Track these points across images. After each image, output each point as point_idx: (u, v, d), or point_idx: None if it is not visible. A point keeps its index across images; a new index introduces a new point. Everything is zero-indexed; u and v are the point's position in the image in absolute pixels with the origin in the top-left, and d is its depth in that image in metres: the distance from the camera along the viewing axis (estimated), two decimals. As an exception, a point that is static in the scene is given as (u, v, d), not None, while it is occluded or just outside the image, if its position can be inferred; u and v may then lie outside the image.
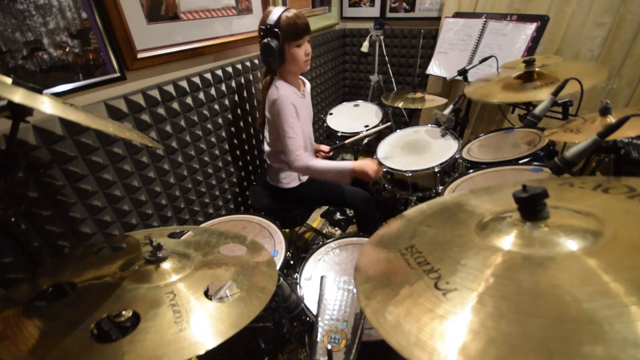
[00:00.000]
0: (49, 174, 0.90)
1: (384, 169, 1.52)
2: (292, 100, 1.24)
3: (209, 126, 1.43)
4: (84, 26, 0.93)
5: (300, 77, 1.40)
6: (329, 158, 1.65)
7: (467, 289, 0.38)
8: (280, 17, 1.14)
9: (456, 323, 0.34)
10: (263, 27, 1.16)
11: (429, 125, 1.76)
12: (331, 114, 2.12)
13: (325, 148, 1.65)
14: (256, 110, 1.73)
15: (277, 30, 1.15)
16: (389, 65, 2.51)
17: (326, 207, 2.20)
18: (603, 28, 1.76)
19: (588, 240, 0.39)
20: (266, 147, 1.43)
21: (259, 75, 1.69)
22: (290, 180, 1.43)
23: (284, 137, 1.23)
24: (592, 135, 0.73)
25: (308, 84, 1.45)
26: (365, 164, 1.25)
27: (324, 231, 2.11)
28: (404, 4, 2.36)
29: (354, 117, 2.05)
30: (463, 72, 1.66)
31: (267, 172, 1.49)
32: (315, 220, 2.19)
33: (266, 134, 1.41)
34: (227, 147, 1.56)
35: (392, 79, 2.56)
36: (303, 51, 1.24)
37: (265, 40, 1.16)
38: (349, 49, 2.73)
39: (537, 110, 1.04)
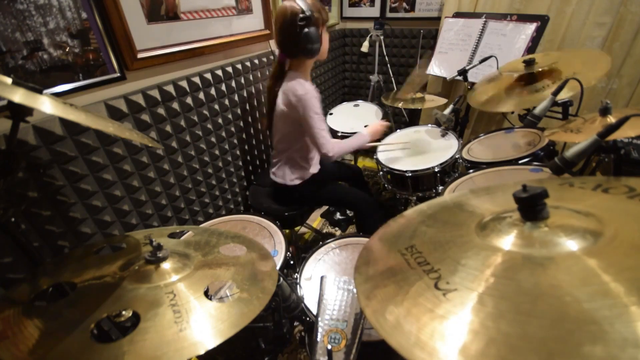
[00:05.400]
0: (49, 174, 0.90)
1: (384, 169, 1.52)
2: (317, 94, 1.27)
3: (209, 126, 1.43)
4: (84, 26, 0.93)
5: None
6: None
7: (467, 289, 0.38)
8: (309, 4, 1.18)
9: (456, 323, 0.34)
10: (302, 15, 1.16)
11: (429, 125, 1.76)
12: (331, 114, 2.12)
13: None
14: (256, 110, 1.73)
15: (317, 15, 1.18)
16: (389, 65, 2.51)
17: (326, 207, 2.20)
18: (603, 28, 1.76)
19: (588, 240, 0.39)
20: (277, 144, 1.43)
21: (259, 75, 1.69)
22: (295, 177, 1.42)
23: (316, 131, 1.26)
24: (592, 135, 0.74)
25: None
26: (374, 129, 1.46)
27: (324, 231, 2.11)
28: (404, 4, 2.36)
29: (354, 117, 2.05)
30: (463, 72, 1.66)
31: (270, 170, 1.49)
32: (315, 220, 2.19)
33: (275, 130, 1.40)
34: (227, 147, 1.56)
35: (392, 79, 2.56)
36: (327, 36, 1.30)
37: (309, 29, 1.17)
38: (349, 49, 2.73)
39: (537, 110, 1.04)
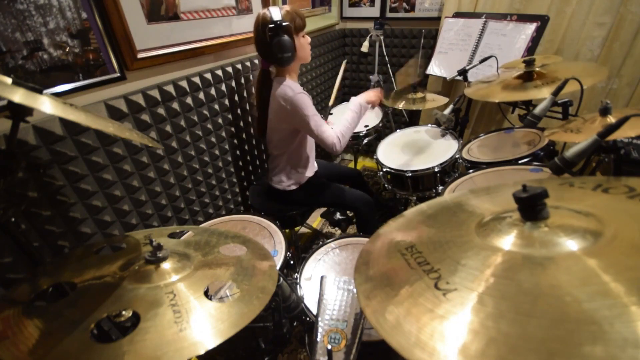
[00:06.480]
0: (49, 174, 0.90)
1: (384, 169, 1.52)
2: (306, 93, 1.27)
3: (209, 126, 1.43)
4: (84, 26, 0.93)
5: None
6: None
7: (467, 289, 0.38)
8: (282, 13, 1.17)
9: (456, 323, 0.34)
10: (272, 25, 1.15)
11: (429, 125, 1.76)
12: (331, 114, 2.12)
13: None
14: (256, 110, 1.73)
15: (288, 23, 1.16)
16: (389, 65, 2.51)
17: (326, 207, 2.20)
18: (603, 28, 1.76)
19: (588, 240, 0.39)
20: (272, 150, 1.43)
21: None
22: (291, 183, 1.43)
23: (316, 129, 1.25)
24: (592, 135, 0.73)
25: None
26: (369, 96, 1.45)
27: (324, 231, 2.12)
28: (404, 4, 2.36)
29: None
30: (463, 72, 1.66)
31: (268, 175, 1.49)
32: (315, 220, 2.19)
33: (269, 137, 1.41)
34: (227, 147, 1.56)
35: (392, 79, 2.56)
36: (307, 41, 1.29)
37: (279, 37, 1.16)
38: (349, 49, 2.73)
39: (537, 110, 1.04)
